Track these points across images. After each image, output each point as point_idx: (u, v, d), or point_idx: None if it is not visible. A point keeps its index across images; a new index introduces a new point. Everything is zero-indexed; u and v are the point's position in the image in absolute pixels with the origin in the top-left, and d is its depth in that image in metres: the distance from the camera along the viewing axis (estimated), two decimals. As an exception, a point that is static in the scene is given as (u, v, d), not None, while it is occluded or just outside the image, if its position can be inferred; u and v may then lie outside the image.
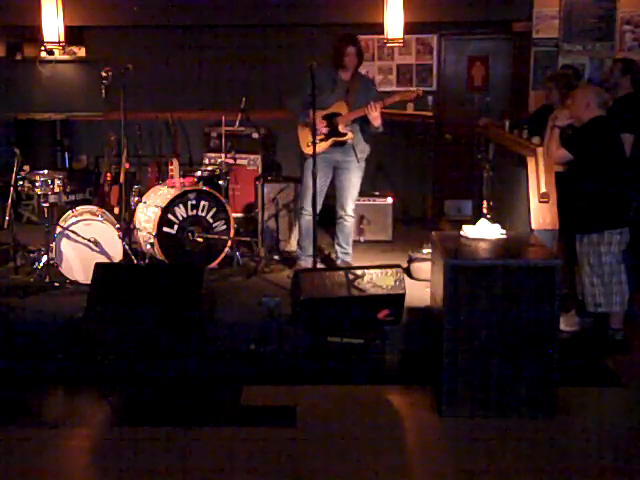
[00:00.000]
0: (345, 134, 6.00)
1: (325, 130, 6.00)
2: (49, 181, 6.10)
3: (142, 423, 4.04)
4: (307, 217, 6.14)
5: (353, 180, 6.19)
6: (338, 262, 6.35)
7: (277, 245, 7.00)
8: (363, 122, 6.02)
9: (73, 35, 8.59)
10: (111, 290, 4.94)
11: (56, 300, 5.66)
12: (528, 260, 4.14)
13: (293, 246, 6.82)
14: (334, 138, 6.01)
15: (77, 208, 6.19)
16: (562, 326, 4.76)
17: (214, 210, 6.36)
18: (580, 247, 4.92)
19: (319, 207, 6.08)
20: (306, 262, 6.17)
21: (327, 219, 6.51)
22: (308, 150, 6.03)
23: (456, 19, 8.55)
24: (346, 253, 6.34)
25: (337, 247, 6.38)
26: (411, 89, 6.03)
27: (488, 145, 6.84)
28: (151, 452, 3.75)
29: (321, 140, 5.97)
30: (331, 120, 6.02)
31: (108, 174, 7.33)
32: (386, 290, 4.89)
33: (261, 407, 4.22)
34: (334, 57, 6.07)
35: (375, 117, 5.88)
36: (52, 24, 7.45)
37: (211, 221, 6.35)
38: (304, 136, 6.06)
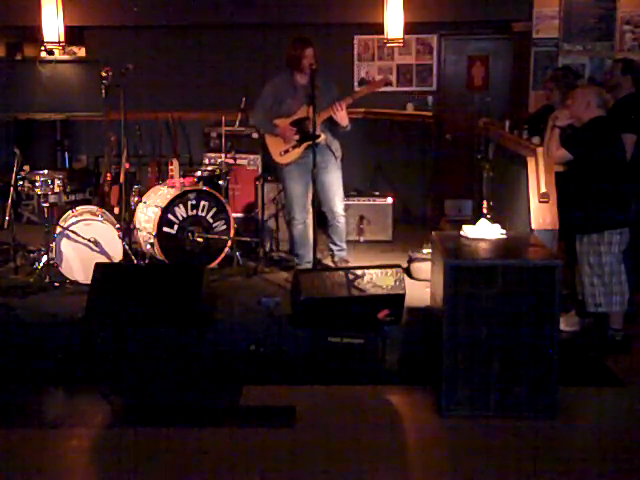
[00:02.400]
0: (318, 135, 5.98)
1: (297, 137, 5.99)
2: (49, 181, 6.10)
3: (142, 423, 4.03)
4: (299, 226, 6.14)
5: (334, 178, 6.18)
6: (335, 260, 6.35)
7: (277, 245, 7.00)
8: (331, 123, 6.02)
9: (73, 35, 8.61)
10: (111, 290, 4.93)
11: (56, 300, 5.66)
12: (528, 260, 4.14)
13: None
14: (307, 142, 5.98)
15: (77, 208, 6.19)
16: (562, 326, 4.75)
17: (214, 210, 6.36)
18: (580, 247, 4.92)
19: (307, 213, 6.10)
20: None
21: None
22: (282, 159, 6.05)
23: (456, 19, 8.56)
24: (341, 249, 6.34)
25: (332, 246, 6.36)
26: (377, 78, 5.95)
27: (488, 145, 6.84)
28: (151, 452, 3.74)
29: (294, 147, 5.96)
30: (300, 125, 6.01)
31: (108, 174, 7.33)
32: (386, 290, 4.88)
33: (261, 407, 4.21)
34: (290, 61, 6.04)
35: (342, 117, 5.89)
36: (52, 24, 7.47)
37: (211, 221, 6.35)
38: (274, 145, 6.05)
